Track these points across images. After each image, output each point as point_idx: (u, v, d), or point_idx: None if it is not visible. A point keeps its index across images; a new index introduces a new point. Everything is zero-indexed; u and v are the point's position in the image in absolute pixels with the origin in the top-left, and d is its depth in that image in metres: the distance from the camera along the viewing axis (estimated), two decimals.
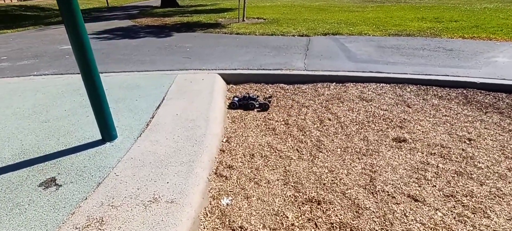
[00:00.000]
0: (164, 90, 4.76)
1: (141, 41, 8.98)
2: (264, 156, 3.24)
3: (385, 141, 3.41)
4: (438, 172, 2.79)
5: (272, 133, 3.78)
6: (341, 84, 5.33)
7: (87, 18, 16.12)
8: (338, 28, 10.07)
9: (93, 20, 15.24)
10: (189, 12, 17.12)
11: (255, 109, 4.53)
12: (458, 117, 3.96)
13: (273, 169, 3.00)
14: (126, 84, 5.08)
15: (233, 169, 3.02)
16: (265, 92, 5.18)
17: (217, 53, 7.09)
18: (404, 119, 3.96)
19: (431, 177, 2.72)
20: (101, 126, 3.23)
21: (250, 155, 3.28)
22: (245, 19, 12.68)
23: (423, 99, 4.61)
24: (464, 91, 4.73)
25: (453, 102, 4.45)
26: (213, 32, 10.28)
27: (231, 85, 5.52)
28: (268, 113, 4.38)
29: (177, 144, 3.23)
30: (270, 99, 4.70)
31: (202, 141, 3.28)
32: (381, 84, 5.24)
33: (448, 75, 5.20)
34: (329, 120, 4.05)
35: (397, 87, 5.08)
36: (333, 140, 3.49)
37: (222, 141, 3.58)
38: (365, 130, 3.70)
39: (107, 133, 3.28)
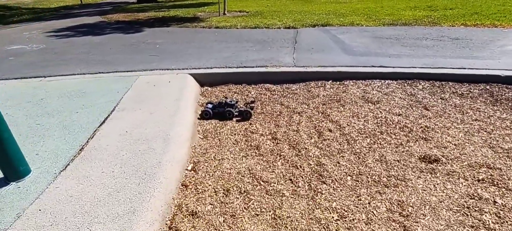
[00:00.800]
0: (116, 98, 3.70)
1: (105, 38, 7.79)
2: (244, 191, 2.27)
3: (410, 162, 2.50)
4: (499, 212, 1.91)
5: (255, 153, 2.82)
6: (338, 83, 4.42)
7: (54, 16, 14.60)
8: (327, 19, 9.19)
9: (60, 18, 13.77)
10: (167, 7, 15.85)
11: (234, 119, 3.55)
12: (492, 122, 3.11)
13: (257, 215, 2.04)
14: (69, 91, 3.98)
15: (198, 217, 2.03)
16: (247, 95, 4.20)
17: (192, 49, 6.05)
18: (426, 126, 3.08)
19: (492, 222, 1.83)
20: (1, 160, 2.17)
21: (224, 190, 2.30)
22: (226, 12, 11.62)
23: (441, 98, 3.75)
24: (488, 87, 3.92)
25: (479, 101, 3.61)
26: (190, 26, 9.19)
27: (206, 88, 4.50)
28: (251, 123, 3.40)
29: (116, 181, 2.21)
30: (253, 104, 3.72)
31: (154, 174, 2.28)
32: (387, 81, 4.36)
33: (464, 68, 4.37)
34: (330, 130, 3.13)
35: (406, 85, 4.21)
36: (338, 162, 2.56)
37: (187, 169, 2.58)
38: (379, 145, 2.79)
39: (11, 169, 2.22)
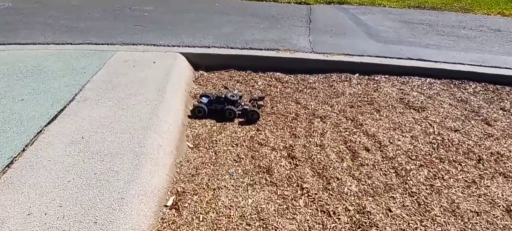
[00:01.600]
0: (80, 81, 2.78)
1: (85, 0, 6.62)
2: None
3: (496, 216, 1.71)
4: None
5: (265, 179, 1.99)
6: (367, 77, 3.54)
7: None
8: None
9: None
10: None
11: (236, 120, 2.69)
12: None
13: None
14: (20, 67, 3.03)
15: None
16: (253, 86, 3.31)
17: (186, 22, 5.03)
18: (497, 153, 2.27)
19: None
20: None
21: None
22: None
23: (501, 109, 2.93)
24: None
25: None
26: None
27: (201, 72, 3.58)
28: (258, 129, 2.55)
29: None
30: (262, 102, 2.84)
31: (110, 222, 1.44)
32: (428, 79, 3.50)
33: None
34: (367, 149, 2.30)
35: (453, 86, 3.36)
36: (389, 210, 1.76)
37: (165, 206, 1.75)
38: (443, 182, 1.98)
39: None
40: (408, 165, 2.13)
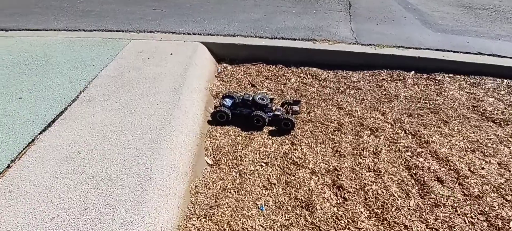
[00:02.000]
0: (88, 76, 2.41)
1: None
2: None
3: None
4: None
5: (305, 218, 1.52)
6: (426, 76, 2.88)
7: None
8: None
9: None
10: None
11: (265, 128, 2.20)
12: None
13: None
14: (26, 57, 2.71)
15: None
16: (284, 84, 2.78)
17: (209, 4, 4.52)
18: None
19: None
20: None
21: None
22: None
23: None
24: None
25: None
26: None
27: (224, 65, 3.10)
28: (293, 142, 2.06)
29: None
30: (297, 107, 2.32)
31: None
32: (505, 80, 2.78)
33: None
34: (439, 180, 1.73)
35: None
36: None
37: None
38: None
39: None
40: (503, 209, 1.55)
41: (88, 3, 4.45)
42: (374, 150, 1.99)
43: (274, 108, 2.30)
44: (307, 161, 1.90)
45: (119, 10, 4.15)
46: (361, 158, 1.93)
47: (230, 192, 1.68)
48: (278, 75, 2.92)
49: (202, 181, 1.75)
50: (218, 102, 2.47)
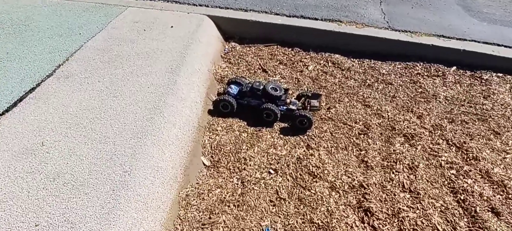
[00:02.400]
0: (71, 47, 2.05)
1: None
2: None
3: None
4: None
5: None
6: (470, 73, 2.42)
7: None
8: None
9: None
10: None
11: (276, 124, 1.83)
12: None
13: None
14: (3, 21, 2.35)
15: None
16: (301, 71, 2.38)
17: None
18: None
19: None
20: None
21: None
22: None
23: None
24: None
25: None
26: None
27: (233, 44, 2.69)
28: (309, 144, 1.69)
29: None
30: (316, 102, 1.92)
31: None
32: None
33: None
34: (495, 212, 1.37)
35: None
36: None
37: None
38: None
39: None
40: None
41: None
42: (410, 163, 1.61)
43: (288, 101, 1.92)
44: (326, 171, 1.54)
45: None
46: (393, 173, 1.56)
47: (229, 206, 1.35)
48: (294, 61, 2.51)
49: (195, 188, 1.41)
50: (222, 89, 2.10)
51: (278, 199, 1.40)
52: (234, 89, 1.94)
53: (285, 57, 2.55)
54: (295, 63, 2.49)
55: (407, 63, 2.54)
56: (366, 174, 1.55)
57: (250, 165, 1.56)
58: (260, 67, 2.40)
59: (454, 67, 2.48)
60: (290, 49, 2.65)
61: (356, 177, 1.53)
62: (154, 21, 2.53)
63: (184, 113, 1.68)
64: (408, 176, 1.54)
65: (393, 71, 2.46)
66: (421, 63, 2.52)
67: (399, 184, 1.50)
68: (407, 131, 1.84)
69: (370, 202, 1.38)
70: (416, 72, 2.44)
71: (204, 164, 1.57)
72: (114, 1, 2.89)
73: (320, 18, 2.86)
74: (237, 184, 1.47)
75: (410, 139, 1.78)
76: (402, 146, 1.74)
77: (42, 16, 2.46)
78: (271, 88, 1.86)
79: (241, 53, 2.58)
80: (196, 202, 1.35)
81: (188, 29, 2.45)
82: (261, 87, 1.87)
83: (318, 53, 2.62)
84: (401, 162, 1.62)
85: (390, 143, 1.75)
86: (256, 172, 1.53)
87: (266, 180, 1.49)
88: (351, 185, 1.48)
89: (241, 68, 2.37)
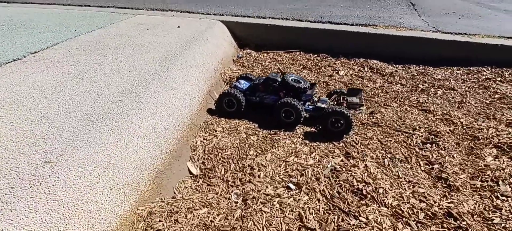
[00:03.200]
0: (58, 39, 1.76)
1: None
2: None
3: None
4: None
5: None
6: None
7: None
8: None
9: None
10: None
11: (299, 127, 1.30)
12: None
13: None
14: (3, 21, 2.17)
15: None
16: (331, 76, 1.89)
17: None
18: None
19: None
20: None
21: None
22: None
23: None
24: None
25: None
26: None
27: (248, 50, 2.31)
28: (348, 152, 1.13)
29: None
30: (357, 99, 1.39)
31: None
32: None
33: None
34: None
35: None
36: None
37: None
38: None
39: None
40: None
41: None
42: (497, 195, 0.98)
43: (316, 98, 1.41)
44: (380, 190, 0.95)
45: None
46: (495, 197, 0.93)
47: None
48: (321, 66, 2.04)
49: (167, 204, 0.88)
50: (229, 87, 1.65)
51: (303, 228, 0.82)
52: (243, 84, 1.48)
53: (309, 62, 2.10)
54: (323, 68, 2.02)
55: (469, 68, 1.97)
56: (449, 197, 0.94)
57: (259, 176, 1.02)
58: (279, 71, 1.95)
59: None
60: (316, 55, 2.21)
61: (435, 201, 0.92)
62: (160, 23, 2.24)
63: (171, 104, 1.22)
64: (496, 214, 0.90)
65: (451, 76, 1.89)
66: (489, 68, 1.94)
67: (510, 212, 0.86)
68: (498, 140, 1.22)
69: None
70: (484, 77, 1.86)
71: (190, 172, 1.05)
72: (125, 11, 2.72)
73: (351, 23, 2.44)
74: (236, 202, 0.92)
75: (508, 150, 1.16)
76: (497, 160, 1.11)
77: (43, 19, 2.27)
78: (292, 79, 1.38)
79: (256, 58, 2.17)
80: (163, 226, 0.81)
81: (196, 29, 2.11)
82: (279, 79, 1.40)
83: (350, 59, 2.14)
84: (506, 182, 0.99)
85: (477, 155, 1.14)
86: (267, 187, 0.98)
87: (282, 198, 0.93)
88: (429, 213, 0.87)
89: (256, 71, 1.94)
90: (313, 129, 1.32)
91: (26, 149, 0.79)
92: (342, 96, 1.40)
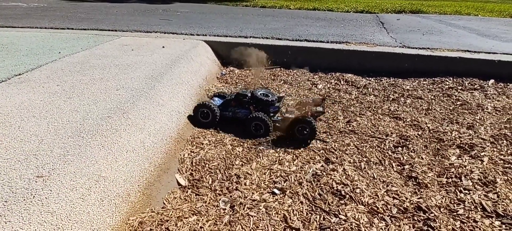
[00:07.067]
0: (43, 61, 1.77)
1: (123, 5, 6.16)
2: None
3: None
4: None
5: None
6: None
7: None
8: (416, 5, 6.59)
9: None
10: None
11: (270, 136, 1.38)
12: None
13: None
14: None
15: None
16: (310, 89, 2.01)
17: (222, 20, 4.03)
18: None
19: None
20: None
21: None
22: None
23: None
24: None
25: None
26: (229, 5, 7.27)
27: (231, 68, 2.40)
28: (328, 158, 1.21)
29: None
30: (321, 107, 1.50)
31: None
32: None
33: None
34: None
35: None
36: None
37: None
38: None
39: None
40: None
41: (92, 14, 4.10)
42: (482, 177, 1.10)
43: (283, 109, 1.51)
44: (357, 190, 1.03)
45: (123, 20, 3.72)
46: (459, 191, 1.04)
47: None
48: (301, 81, 2.16)
49: (157, 214, 0.92)
50: (205, 102, 1.71)
51: (288, 228, 0.88)
52: (217, 101, 1.56)
53: (290, 78, 2.22)
54: (302, 82, 2.14)
55: (434, 79, 2.16)
56: (419, 193, 1.03)
57: (246, 184, 1.08)
58: (261, 86, 2.05)
59: (492, 80, 2.08)
60: (295, 71, 2.33)
61: (407, 197, 1.01)
62: (145, 44, 2.31)
63: (159, 120, 1.27)
64: (485, 194, 1.01)
65: (419, 86, 2.07)
66: (451, 78, 2.14)
67: (476, 206, 0.97)
68: (461, 141, 1.35)
69: None
70: (447, 86, 2.05)
71: (179, 183, 1.09)
72: (109, 33, 2.76)
73: (326, 41, 2.62)
74: (225, 209, 0.96)
75: (469, 150, 1.29)
76: (460, 158, 1.24)
77: (27, 42, 2.27)
78: (261, 93, 1.47)
79: (239, 75, 2.26)
80: None
81: (181, 49, 2.19)
82: (249, 94, 1.49)
83: (327, 73, 2.29)
84: (468, 177, 1.10)
85: (442, 156, 1.26)
86: (253, 193, 1.03)
87: (268, 202, 0.99)
88: (401, 208, 0.96)
89: (238, 88, 2.02)
90: (281, 135, 1.40)
91: (17, 165, 0.81)
92: (308, 107, 1.51)
